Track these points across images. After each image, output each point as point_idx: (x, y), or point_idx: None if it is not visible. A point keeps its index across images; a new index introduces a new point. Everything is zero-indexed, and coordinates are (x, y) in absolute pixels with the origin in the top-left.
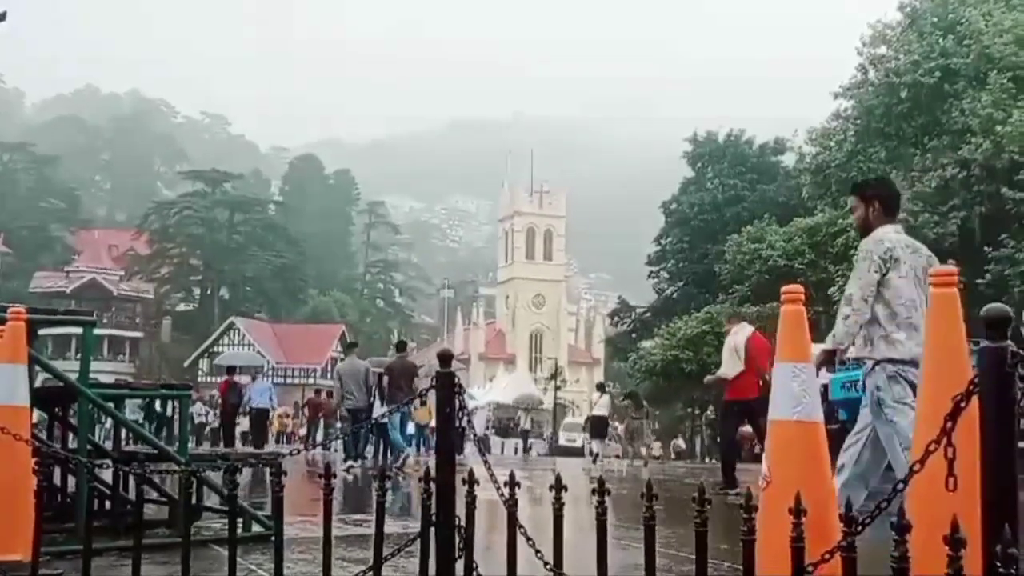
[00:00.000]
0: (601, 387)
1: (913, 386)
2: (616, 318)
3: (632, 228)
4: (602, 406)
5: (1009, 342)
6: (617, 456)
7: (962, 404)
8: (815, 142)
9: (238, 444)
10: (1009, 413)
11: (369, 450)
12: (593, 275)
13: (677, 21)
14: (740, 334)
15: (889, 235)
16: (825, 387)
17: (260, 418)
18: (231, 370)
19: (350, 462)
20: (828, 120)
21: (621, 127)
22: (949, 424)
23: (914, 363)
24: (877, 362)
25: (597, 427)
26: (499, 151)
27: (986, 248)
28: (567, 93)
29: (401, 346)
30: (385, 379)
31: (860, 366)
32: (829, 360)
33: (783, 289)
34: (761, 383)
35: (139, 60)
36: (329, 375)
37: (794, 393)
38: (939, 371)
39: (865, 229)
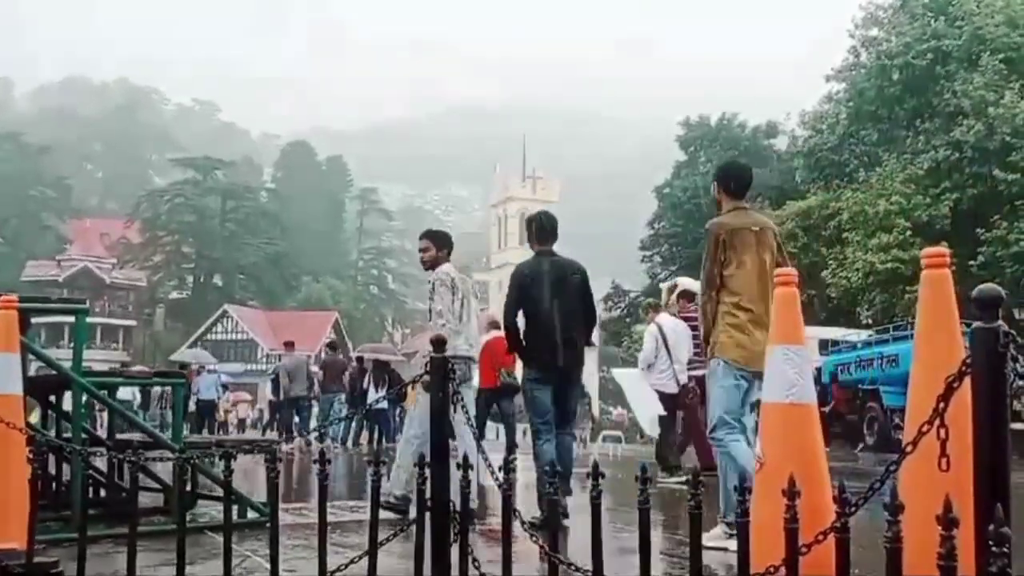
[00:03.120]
0: None
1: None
2: (610, 303)
3: (625, 213)
4: None
5: (1000, 322)
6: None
7: (955, 385)
8: (807, 125)
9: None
10: (1001, 393)
11: (365, 435)
12: (586, 260)
13: (669, 3)
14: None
15: (451, 270)
16: (818, 370)
17: (207, 408)
18: (183, 367)
19: (292, 443)
20: (820, 103)
21: (613, 112)
22: (942, 405)
23: (459, 358)
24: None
25: None
26: (491, 137)
27: (978, 230)
28: (559, 78)
29: (332, 346)
30: (320, 373)
31: (851, 349)
32: None
33: (776, 272)
34: (500, 376)
35: (128, 48)
36: None
37: (788, 376)
38: (931, 352)
39: (433, 265)
